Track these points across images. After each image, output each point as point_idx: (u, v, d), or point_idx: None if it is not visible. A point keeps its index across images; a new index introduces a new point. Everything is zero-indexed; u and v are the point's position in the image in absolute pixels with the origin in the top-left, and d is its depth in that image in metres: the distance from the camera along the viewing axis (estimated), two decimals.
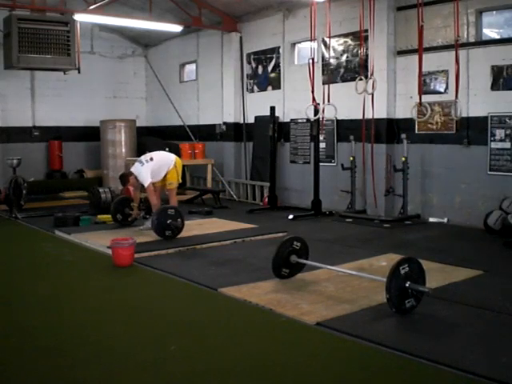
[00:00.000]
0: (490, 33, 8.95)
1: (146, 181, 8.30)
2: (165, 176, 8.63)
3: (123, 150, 14.16)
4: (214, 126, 13.76)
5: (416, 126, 9.72)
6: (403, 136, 9.67)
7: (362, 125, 9.89)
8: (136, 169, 8.47)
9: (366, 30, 9.52)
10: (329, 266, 5.95)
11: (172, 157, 8.83)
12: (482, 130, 8.82)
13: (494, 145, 8.71)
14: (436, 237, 8.41)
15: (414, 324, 4.66)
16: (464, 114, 8.75)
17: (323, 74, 11.09)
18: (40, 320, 4.84)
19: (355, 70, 10.48)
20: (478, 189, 8.97)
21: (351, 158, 10.44)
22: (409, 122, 9.64)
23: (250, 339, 4.40)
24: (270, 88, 12.57)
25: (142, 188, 8.82)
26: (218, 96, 13.74)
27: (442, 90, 9.33)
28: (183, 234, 8.28)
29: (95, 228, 8.99)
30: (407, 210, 9.73)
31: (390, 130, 10.05)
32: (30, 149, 14.12)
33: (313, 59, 9.67)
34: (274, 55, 12.36)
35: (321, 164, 10.75)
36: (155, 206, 8.41)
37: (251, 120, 13.01)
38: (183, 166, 9.81)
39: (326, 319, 4.70)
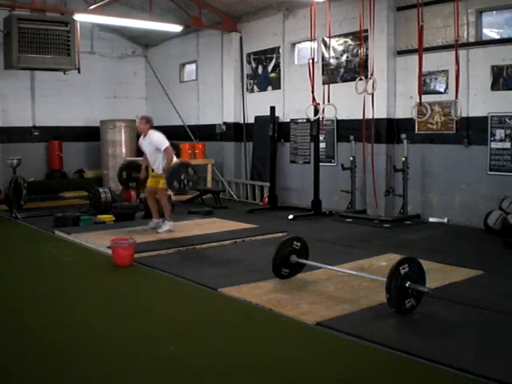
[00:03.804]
0: (490, 33, 8.95)
1: (164, 144, 8.67)
2: (159, 177, 8.44)
3: (123, 150, 14.18)
4: (213, 125, 13.75)
5: (416, 126, 9.72)
6: (403, 136, 9.68)
7: (362, 125, 9.89)
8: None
9: (366, 30, 9.52)
10: (329, 266, 5.95)
11: (175, 161, 8.80)
12: (482, 130, 8.82)
13: (494, 145, 8.72)
14: (436, 237, 8.41)
15: (414, 324, 4.66)
16: (464, 114, 8.74)
17: (323, 74, 11.09)
18: (40, 320, 4.84)
19: (355, 69, 10.48)
20: (477, 189, 8.97)
21: (351, 158, 10.44)
22: (409, 122, 9.64)
23: (250, 339, 4.40)
24: (270, 88, 12.57)
25: (142, 188, 8.89)
26: (218, 96, 13.74)
27: (442, 89, 9.33)
28: (183, 233, 8.31)
29: (95, 228, 8.97)
30: (407, 210, 9.73)
31: (390, 130, 10.05)
32: (30, 149, 14.11)
33: (313, 59, 9.67)
34: (274, 55, 12.36)
35: (321, 164, 10.76)
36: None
37: (251, 120, 13.01)
38: None
39: (325, 319, 4.70)
